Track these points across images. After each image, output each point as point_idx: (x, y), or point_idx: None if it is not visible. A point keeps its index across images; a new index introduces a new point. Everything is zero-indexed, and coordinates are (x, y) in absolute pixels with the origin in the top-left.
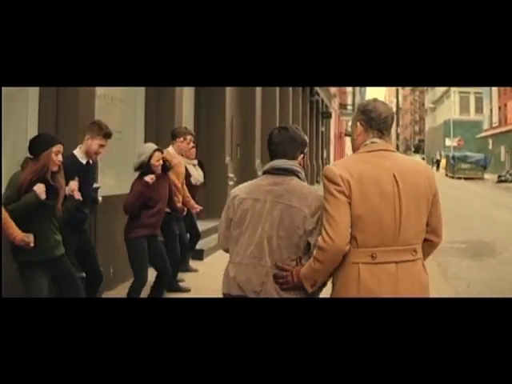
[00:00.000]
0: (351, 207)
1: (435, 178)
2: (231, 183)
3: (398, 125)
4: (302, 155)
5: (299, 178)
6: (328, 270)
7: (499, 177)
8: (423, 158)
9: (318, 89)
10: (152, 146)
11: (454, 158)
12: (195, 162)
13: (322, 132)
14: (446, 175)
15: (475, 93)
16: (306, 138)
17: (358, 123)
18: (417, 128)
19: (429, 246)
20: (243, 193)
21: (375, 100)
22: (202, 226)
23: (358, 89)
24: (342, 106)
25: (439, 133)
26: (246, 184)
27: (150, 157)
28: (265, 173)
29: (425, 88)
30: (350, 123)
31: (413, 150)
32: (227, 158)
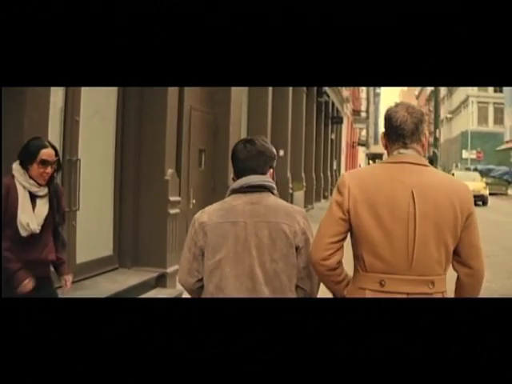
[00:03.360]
0: (358, 224)
1: (471, 200)
2: (174, 211)
3: None
4: (271, 170)
5: (273, 194)
6: (330, 285)
7: None
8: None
9: (327, 89)
10: None
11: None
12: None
13: (331, 140)
14: None
15: (494, 103)
16: (275, 151)
17: (383, 132)
18: (431, 139)
19: (465, 280)
20: (216, 216)
21: (398, 104)
22: None
23: (372, 94)
24: (356, 112)
25: (456, 145)
26: (214, 206)
27: None
28: (235, 192)
29: (441, 97)
30: (363, 131)
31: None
32: (169, 171)
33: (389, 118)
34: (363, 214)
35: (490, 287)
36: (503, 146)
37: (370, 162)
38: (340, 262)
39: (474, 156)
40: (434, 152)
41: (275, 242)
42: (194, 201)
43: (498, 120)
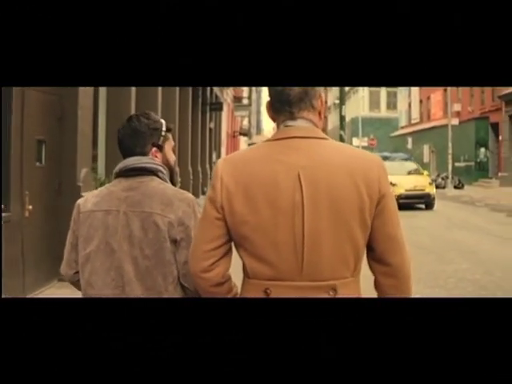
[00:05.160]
0: (233, 222)
1: (384, 178)
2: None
3: None
4: (154, 148)
5: (159, 177)
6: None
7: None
8: None
9: None
10: None
11: None
12: None
13: (210, 129)
14: None
15: (387, 87)
16: (160, 124)
17: (268, 101)
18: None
19: (383, 281)
20: (91, 204)
21: None
22: None
23: None
24: (237, 99)
25: (345, 132)
26: (95, 192)
27: None
28: (118, 176)
29: None
30: (245, 120)
31: None
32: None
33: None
34: (239, 209)
35: None
36: (398, 132)
37: None
38: (226, 276)
39: (365, 143)
40: (340, 135)
41: (147, 235)
42: (31, 207)
43: (392, 105)
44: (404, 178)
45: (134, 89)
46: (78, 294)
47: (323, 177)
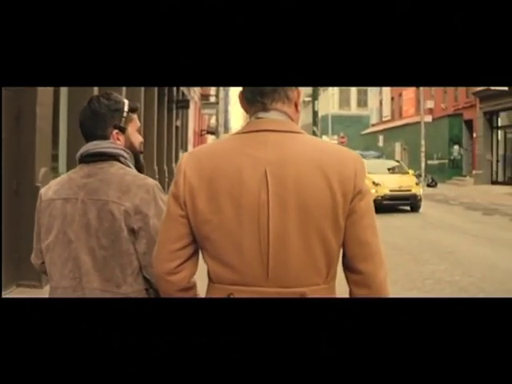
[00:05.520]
0: (196, 220)
1: (360, 176)
2: None
3: None
4: (116, 130)
5: (121, 162)
6: None
7: None
8: None
9: None
10: None
11: None
12: None
13: (176, 127)
14: None
15: None
16: (122, 105)
17: (241, 91)
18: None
19: (355, 291)
20: (51, 192)
21: None
22: None
23: None
24: (204, 97)
25: (318, 128)
26: (57, 180)
27: None
28: (79, 162)
29: None
30: (213, 119)
31: None
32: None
33: None
34: (201, 207)
35: None
36: (369, 130)
37: None
38: (192, 282)
39: (336, 141)
40: (313, 131)
41: (103, 224)
42: None
43: (362, 102)
44: (388, 178)
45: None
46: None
47: (292, 174)
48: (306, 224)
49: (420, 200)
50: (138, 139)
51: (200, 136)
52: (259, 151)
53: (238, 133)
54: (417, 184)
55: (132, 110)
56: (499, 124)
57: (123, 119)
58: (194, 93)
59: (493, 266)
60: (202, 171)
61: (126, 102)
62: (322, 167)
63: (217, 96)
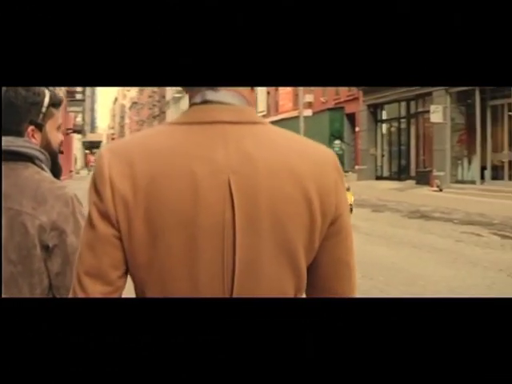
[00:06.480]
0: (132, 245)
1: (343, 184)
2: None
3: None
4: (31, 127)
5: (36, 164)
6: None
7: None
8: None
9: None
10: None
11: None
12: None
13: None
14: None
15: None
16: (42, 98)
17: None
18: (156, 124)
19: None
20: None
21: None
22: None
23: None
24: (70, 93)
25: None
26: None
27: None
28: None
29: None
30: (79, 117)
31: None
32: None
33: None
34: (139, 230)
35: None
36: None
37: (87, 152)
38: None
39: None
40: None
41: (14, 237)
42: None
43: None
44: None
45: None
46: None
47: (264, 187)
48: (279, 248)
49: (350, 205)
50: (57, 138)
51: (66, 135)
52: (217, 153)
53: (179, 122)
54: (351, 195)
55: (54, 104)
56: (383, 117)
57: (41, 115)
58: (60, 89)
59: (394, 267)
60: (135, 179)
61: (48, 94)
62: (298, 177)
63: (83, 93)
